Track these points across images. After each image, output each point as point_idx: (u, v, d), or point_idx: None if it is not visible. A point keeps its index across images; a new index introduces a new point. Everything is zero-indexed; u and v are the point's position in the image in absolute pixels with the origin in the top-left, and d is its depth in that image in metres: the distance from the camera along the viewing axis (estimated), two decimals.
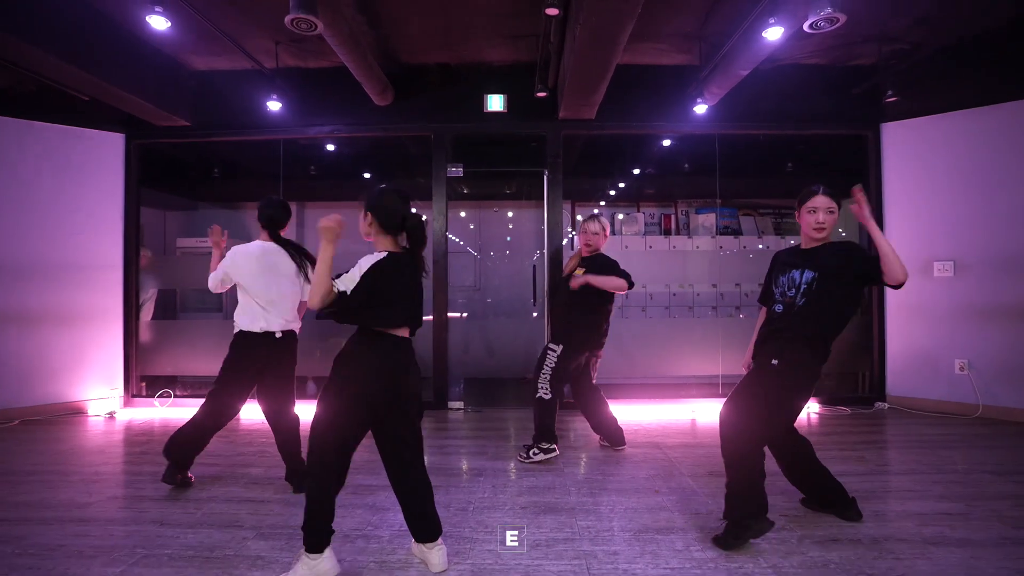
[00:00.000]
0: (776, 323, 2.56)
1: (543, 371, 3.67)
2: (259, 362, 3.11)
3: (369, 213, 2.23)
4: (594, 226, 3.82)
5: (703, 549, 2.41)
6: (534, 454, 3.58)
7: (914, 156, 5.16)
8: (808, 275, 2.49)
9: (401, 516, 2.27)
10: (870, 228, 2.38)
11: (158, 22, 3.35)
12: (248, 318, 3.09)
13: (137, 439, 4.34)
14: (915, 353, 5.12)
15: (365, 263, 2.12)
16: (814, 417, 4.93)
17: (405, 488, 2.20)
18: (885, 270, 2.31)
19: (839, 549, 2.39)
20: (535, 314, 6.81)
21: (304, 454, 2.91)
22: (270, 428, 3.20)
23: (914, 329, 5.12)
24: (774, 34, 3.52)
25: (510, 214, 8.30)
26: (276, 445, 3.20)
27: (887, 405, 5.17)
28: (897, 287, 2.35)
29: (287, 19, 3.34)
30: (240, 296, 3.15)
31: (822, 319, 2.46)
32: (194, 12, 3.73)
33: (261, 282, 3.08)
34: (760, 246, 6.81)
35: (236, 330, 3.13)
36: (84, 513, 2.85)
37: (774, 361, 2.45)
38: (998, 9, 4.23)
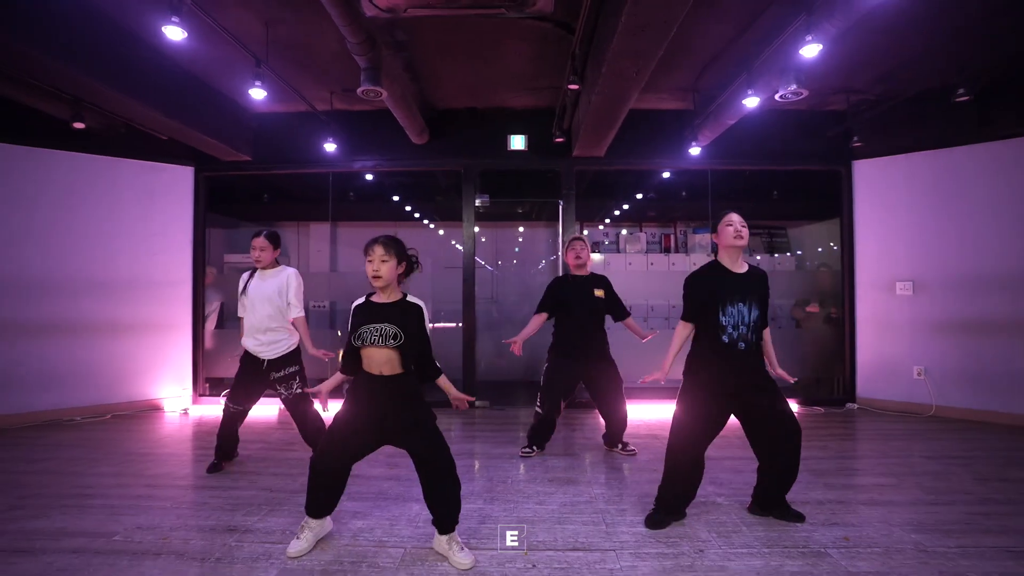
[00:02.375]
0: (743, 358, 2.91)
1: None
2: None
3: (404, 263, 2.64)
4: (579, 244, 4.18)
5: (690, 506, 3.20)
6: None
7: (881, 189, 5.96)
8: (755, 313, 2.91)
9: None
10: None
11: (257, 93, 4.17)
12: None
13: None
14: (881, 360, 5.90)
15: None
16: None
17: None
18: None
19: (795, 506, 3.18)
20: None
21: None
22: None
23: (880, 340, 5.91)
24: (752, 102, 4.34)
25: (521, 229, 9.14)
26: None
27: (856, 406, 5.96)
28: None
29: (359, 90, 4.15)
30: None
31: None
32: (280, 81, 4.56)
33: None
34: (757, 260, 7.58)
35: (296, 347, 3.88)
36: (208, 483, 3.65)
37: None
38: (945, 71, 5.02)
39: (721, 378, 2.91)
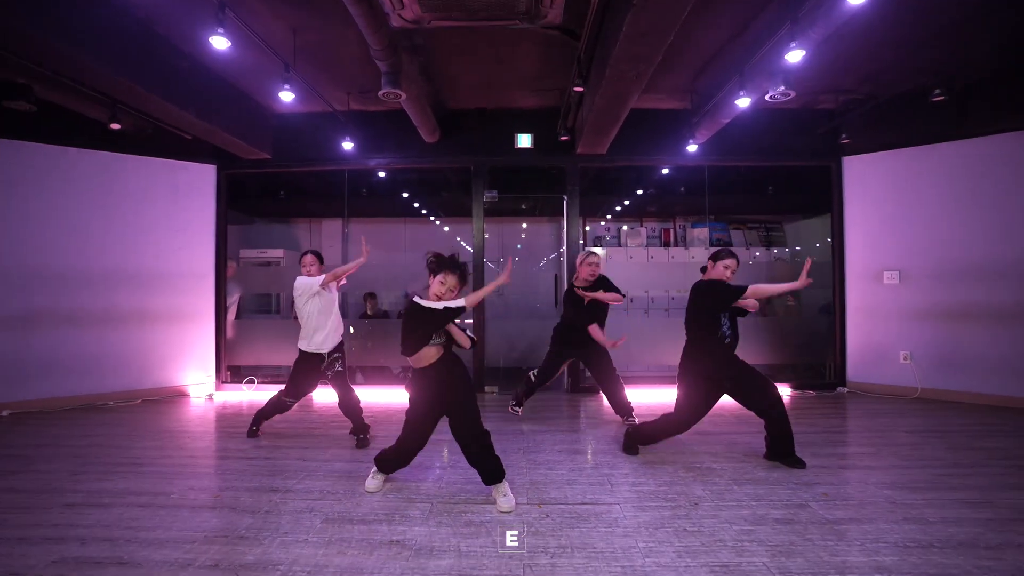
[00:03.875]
0: (728, 346, 3.69)
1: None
2: None
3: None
4: (595, 258, 4.84)
5: (685, 472, 3.53)
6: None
7: (869, 184, 6.28)
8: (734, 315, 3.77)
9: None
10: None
11: (286, 96, 4.49)
12: None
13: (243, 413, 5.45)
14: (869, 346, 6.23)
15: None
16: (786, 399, 6.03)
17: None
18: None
19: (780, 471, 3.52)
20: (554, 311, 7.94)
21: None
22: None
23: (869, 326, 6.23)
24: (744, 102, 4.67)
25: (524, 225, 9.48)
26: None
27: (847, 389, 6.29)
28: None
29: (380, 93, 4.48)
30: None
31: None
32: (305, 84, 4.89)
33: None
34: (755, 256, 7.89)
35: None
36: (247, 453, 3.99)
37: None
38: (922, 73, 5.34)
39: (717, 364, 3.65)
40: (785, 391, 6.29)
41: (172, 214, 6.30)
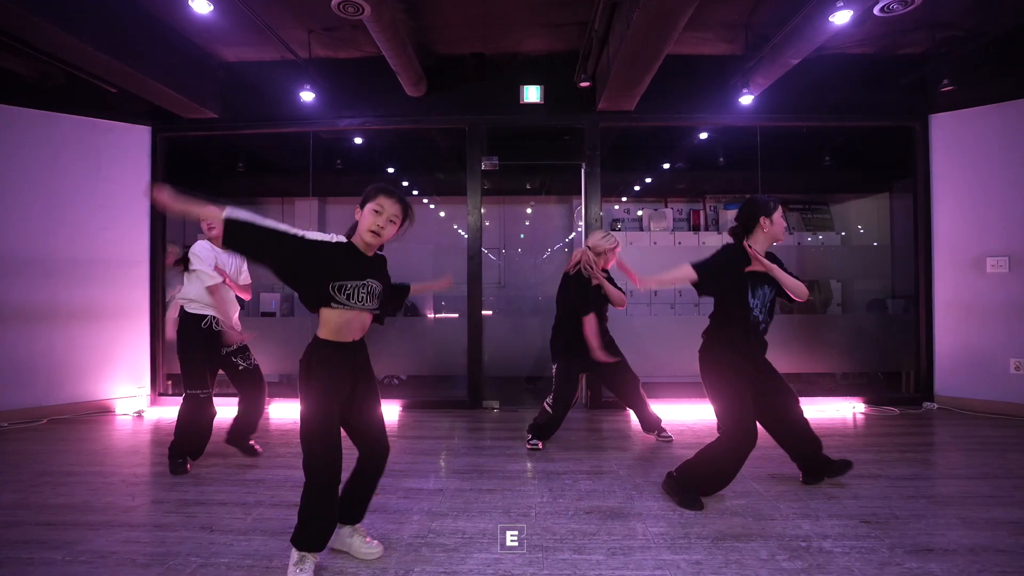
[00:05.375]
0: (758, 332, 2.87)
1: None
2: None
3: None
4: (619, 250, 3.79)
5: (789, 559, 2.27)
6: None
7: (965, 147, 4.99)
8: (771, 292, 2.87)
9: None
10: (769, 270, 2.76)
11: (200, 5, 3.22)
12: None
13: (170, 439, 4.21)
14: (966, 352, 4.95)
15: None
16: (860, 417, 4.79)
17: None
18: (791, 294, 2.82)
19: (936, 560, 2.25)
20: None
21: None
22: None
23: (965, 327, 4.95)
24: (842, 18, 3.35)
25: (529, 210, 8.21)
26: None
27: (936, 405, 5.01)
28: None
29: (334, 3, 3.21)
30: None
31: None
32: (246, 8, 3.60)
33: None
34: (794, 242, 6.59)
35: None
36: (131, 518, 2.73)
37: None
38: None
39: (744, 352, 2.83)
40: (858, 406, 5.02)
41: (94, 186, 5.03)
